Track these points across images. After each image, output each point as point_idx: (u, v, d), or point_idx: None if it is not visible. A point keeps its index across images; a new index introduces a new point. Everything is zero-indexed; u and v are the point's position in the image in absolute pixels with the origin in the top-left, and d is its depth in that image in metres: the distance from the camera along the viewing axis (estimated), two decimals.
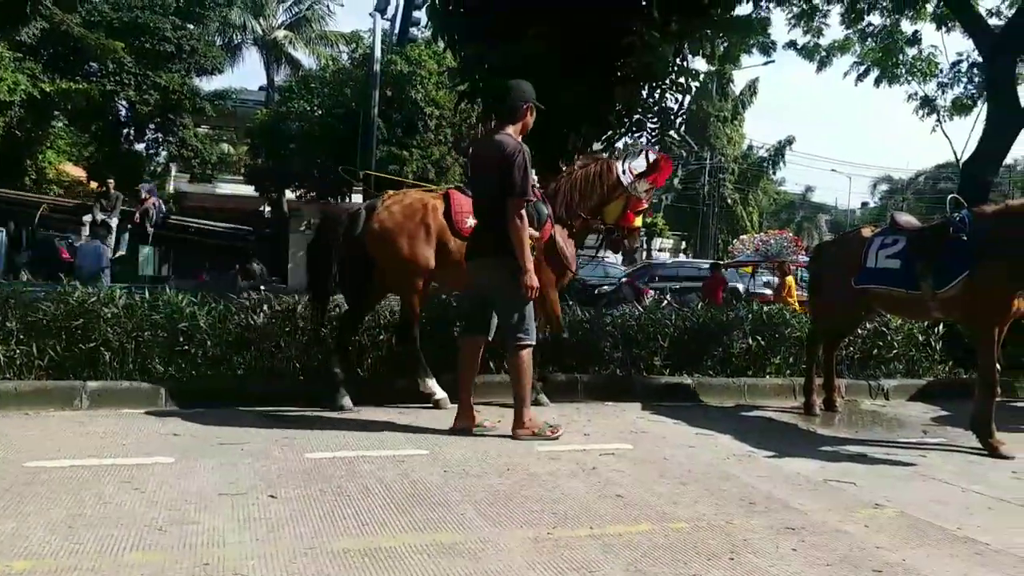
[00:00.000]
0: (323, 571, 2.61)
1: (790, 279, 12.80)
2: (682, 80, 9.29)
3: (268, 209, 29.97)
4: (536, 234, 5.03)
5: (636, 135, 9.22)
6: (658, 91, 9.06)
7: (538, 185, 5.83)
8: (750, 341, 6.92)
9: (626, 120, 9.10)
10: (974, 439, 5.02)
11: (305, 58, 30.86)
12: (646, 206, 5.99)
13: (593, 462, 4.19)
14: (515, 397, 4.68)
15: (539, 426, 4.67)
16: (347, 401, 5.25)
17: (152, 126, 21.56)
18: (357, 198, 22.43)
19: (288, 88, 25.82)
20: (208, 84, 24.24)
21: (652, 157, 6.13)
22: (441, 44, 9.41)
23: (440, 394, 5.41)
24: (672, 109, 9.19)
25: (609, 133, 9.14)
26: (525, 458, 4.20)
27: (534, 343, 4.71)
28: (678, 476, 4.02)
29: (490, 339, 4.89)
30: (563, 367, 6.26)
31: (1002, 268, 4.83)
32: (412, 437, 4.57)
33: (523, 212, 4.49)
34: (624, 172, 5.78)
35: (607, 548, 2.94)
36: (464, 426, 4.71)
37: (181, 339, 5.55)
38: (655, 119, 9.14)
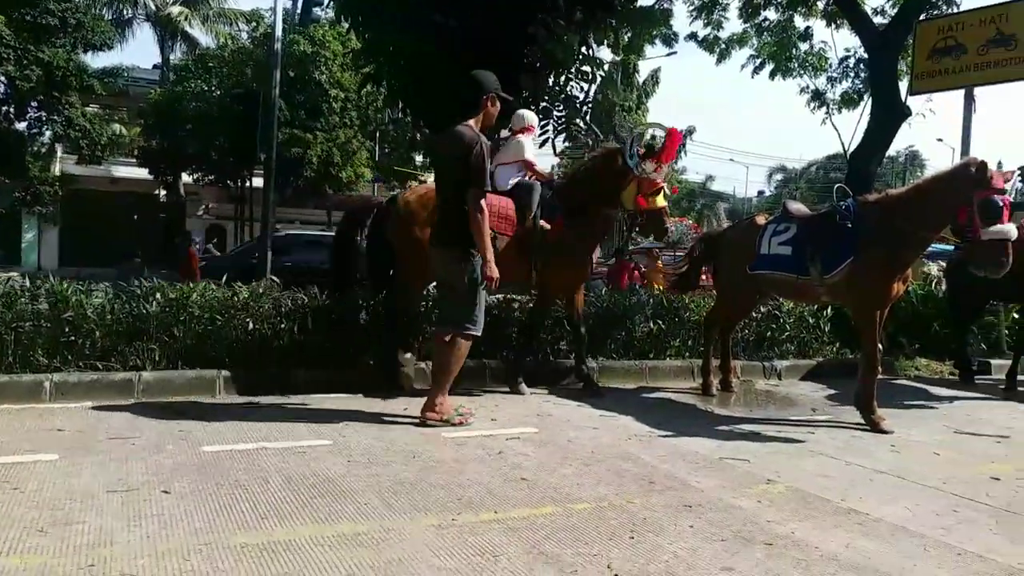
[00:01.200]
0: (218, 567, 2.52)
1: (660, 263, 13.60)
2: (587, 69, 9.42)
3: (163, 193, 28.70)
4: (547, 226, 5.58)
5: (543, 123, 9.26)
6: (564, 79, 9.14)
7: (556, 178, 6.14)
8: (652, 325, 7.10)
9: (533, 108, 9.14)
10: (858, 416, 5.32)
11: (202, 36, 29.63)
12: (661, 185, 5.61)
13: (499, 447, 4.22)
14: (435, 380, 4.71)
15: (448, 412, 4.66)
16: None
17: (35, 104, 20.18)
18: (258, 182, 21.77)
19: (184, 67, 24.72)
20: (97, 61, 23.00)
21: (659, 134, 5.91)
22: (346, 25, 9.18)
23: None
24: (578, 98, 9.31)
25: None
26: (431, 445, 4.19)
27: (479, 334, 4.76)
28: (582, 458, 4.09)
29: (478, 334, 4.82)
30: (471, 353, 6.24)
31: (883, 254, 5.13)
32: (316, 427, 4.48)
33: (482, 203, 4.51)
34: (630, 156, 5.54)
35: (511, 531, 2.97)
36: (445, 420, 4.64)
37: (67, 330, 5.24)
38: (562, 107, 9.22)
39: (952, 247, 7.26)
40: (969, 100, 9.30)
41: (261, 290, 6.06)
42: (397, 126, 23.80)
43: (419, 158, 25.41)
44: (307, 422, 4.60)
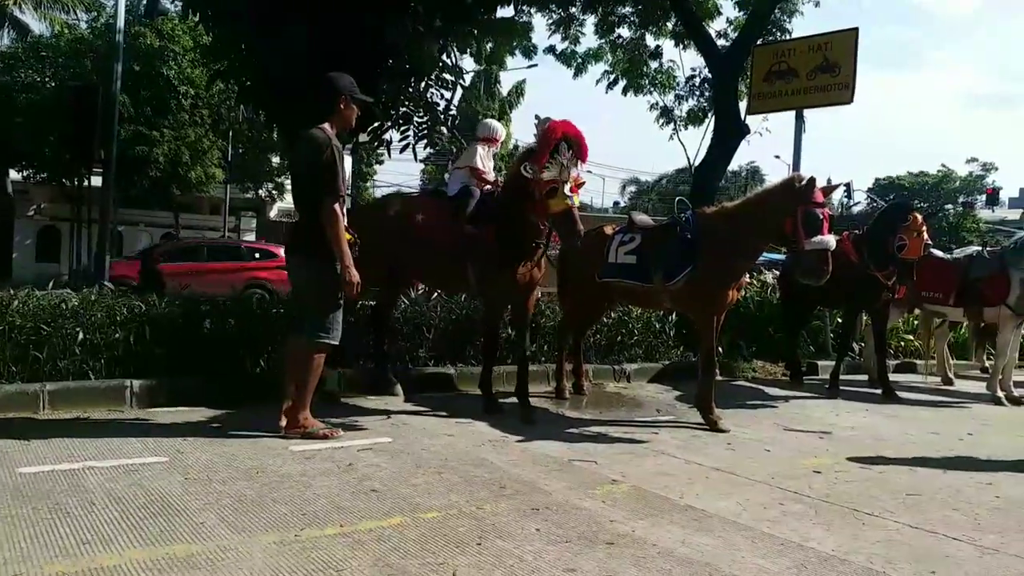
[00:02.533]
0: None
1: None
2: (449, 77, 9.45)
3: None
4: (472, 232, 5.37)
5: (403, 128, 9.19)
6: (424, 86, 9.12)
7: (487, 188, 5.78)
8: (509, 331, 7.19)
9: (393, 113, 9.06)
10: (698, 415, 5.62)
11: (35, 23, 27.24)
12: (554, 184, 4.95)
13: (350, 458, 4.13)
14: (296, 395, 4.52)
15: (312, 425, 4.54)
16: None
17: None
18: (96, 181, 20.32)
19: (13, 55, 22.66)
20: None
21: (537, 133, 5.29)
22: (195, 19, 8.75)
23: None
24: (439, 105, 9.30)
25: (376, 125, 9.04)
26: (277, 459, 4.04)
27: (335, 343, 4.59)
28: (435, 466, 4.08)
29: (334, 342, 4.63)
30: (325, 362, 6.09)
31: (719, 263, 5.45)
32: (151, 443, 4.21)
33: (335, 208, 4.36)
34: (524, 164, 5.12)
35: (356, 545, 2.91)
36: (302, 432, 4.49)
37: None
38: (423, 113, 9.19)
39: (783, 256, 7.84)
40: (800, 121, 10.05)
41: (93, 297, 5.66)
42: (251, 126, 22.90)
43: (275, 159, 24.57)
44: (142, 437, 4.33)
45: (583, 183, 5.19)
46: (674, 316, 8.14)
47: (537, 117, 5.33)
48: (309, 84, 6.94)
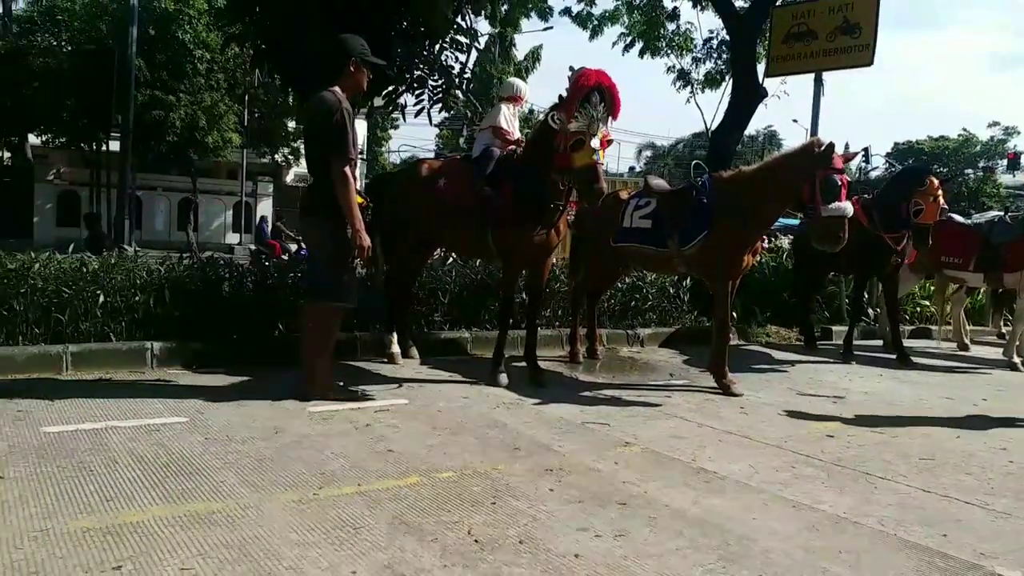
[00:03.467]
0: (54, 553, 2.39)
1: None
2: (463, 39, 9.35)
3: (8, 155, 26.40)
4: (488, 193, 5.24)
5: (418, 92, 9.13)
6: (439, 49, 9.04)
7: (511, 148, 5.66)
8: (524, 296, 7.21)
9: (407, 76, 9.00)
10: (712, 379, 5.64)
11: None
12: (580, 137, 4.76)
13: (367, 420, 4.20)
14: (309, 357, 4.58)
15: (334, 387, 4.62)
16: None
17: None
18: (115, 145, 20.41)
19: (29, 19, 22.62)
20: None
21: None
22: None
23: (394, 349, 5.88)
24: (453, 68, 9.22)
25: (390, 89, 8.99)
26: (295, 420, 4.10)
27: (352, 306, 4.66)
28: (450, 428, 4.14)
29: (350, 305, 4.70)
30: (343, 326, 6.14)
31: (734, 228, 5.42)
32: (172, 404, 4.29)
33: (346, 170, 4.37)
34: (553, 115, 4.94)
35: (373, 503, 2.97)
36: (320, 395, 4.54)
37: None
38: (437, 77, 9.11)
39: (798, 221, 7.77)
40: (818, 84, 9.88)
41: (113, 260, 5.72)
42: (267, 90, 22.81)
43: (291, 124, 24.48)
44: (162, 398, 4.41)
45: (612, 140, 5.01)
46: (689, 281, 8.13)
47: (571, 69, 5.11)
48: (322, 47, 6.91)
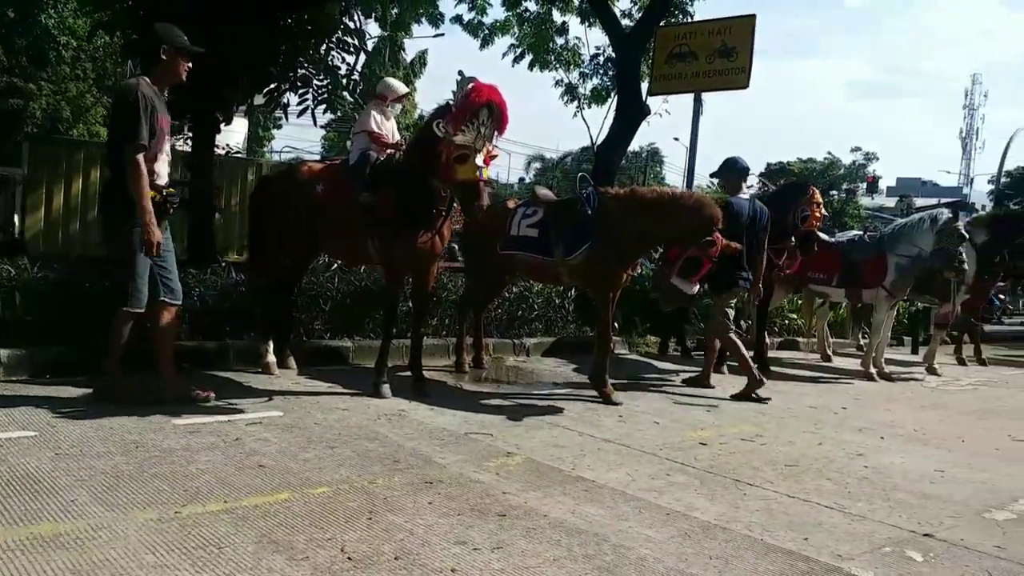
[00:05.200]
0: None
1: None
2: (351, 40, 9.18)
3: None
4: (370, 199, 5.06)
5: (302, 91, 8.88)
6: (325, 49, 8.83)
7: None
8: (411, 304, 7.10)
9: (291, 75, 8.73)
10: (593, 388, 5.72)
11: None
12: (464, 151, 4.61)
13: (237, 433, 3.99)
14: (110, 356, 4.35)
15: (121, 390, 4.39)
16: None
17: None
18: None
19: None
20: None
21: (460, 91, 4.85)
22: None
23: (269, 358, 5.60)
24: (339, 68, 9.03)
25: (272, 87, 8.70)
26: (158, 433, 3.85)
27: (140, 310, 4.35)
28: (327, 440, 3.99)
29: (174, 301, 4.48)
30: (213, 335, 5.86)
31: (616, 243, 5.53)
32: (19, 416, 3.94)
33: (138, 160, 4.10)
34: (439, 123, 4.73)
35: (241, 521, 2.81)
36: (177, 395, 4.44)
37: None
38: (323, 76, 8.89)
39: None
40: (698, 103, 10.33)
41: None
42: None
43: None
44: (8, 409, 4.04)
45: (496, 156, 4.97)
46: (574, 291, 8.25)
47: (461, 74, 5.02)
48: (201, 39, 6.57)
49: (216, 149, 9.94)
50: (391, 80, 6.20)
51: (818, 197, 7.46)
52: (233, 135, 19.77)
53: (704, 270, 5.47)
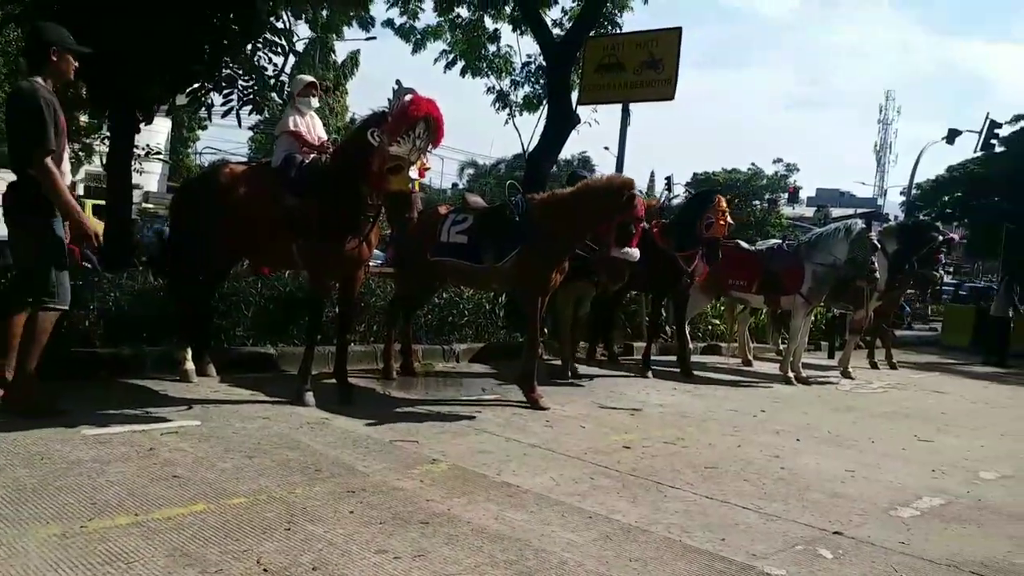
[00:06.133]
0: None
1: None
2: (279, 41, 8.99)
3: None
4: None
5: (227, 92, 8.66)
6: (252, 49, 8.63)
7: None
8: (337, 309, 7.00)
9: (216, 74, 8.51)
10: (521, 394, 5.75)
11: None
12: (397, 162, 4.56)
13: (152, 443, 3.86)
14: (21, 362, 4.12)
15: (35, 397, 4.17)
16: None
17: None
18: None
19: None
20: None
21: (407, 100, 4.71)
22: None
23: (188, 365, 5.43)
24: (266, 69, 8.84)
25: (196, 86, 8.45)
26: (65, 445, 3.69)
27: (64, 307, 4.24)
28: (246, 450, 3.89)
29: (62, 307, 4.25)
30: (129, 341, 5.65)
31: (544, 247, 5.59)
32: None
33: (48, 162, 4.04)
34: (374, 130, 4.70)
35: (151, 534, 2.72)
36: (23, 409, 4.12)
37: None
38: (248, 77, 8.69)
39: None
40: (625, 114, 10.45)
41: None
42: None
43: (83, 117, 22.38)
44: None
45: (429, 168, 4.97)
46: (504, 297, 8.28)
47: (398, 83, 4.89)
48: (120, 36, 6.37)
49: (136, 149, 9.62)
50: (298, 76, 6.10)
51: (723, 205, 7.63)
52: (155, 135, 19.15)
53: (638, 233, 5.64)
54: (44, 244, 4.13)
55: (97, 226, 4.22)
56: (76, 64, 4.34)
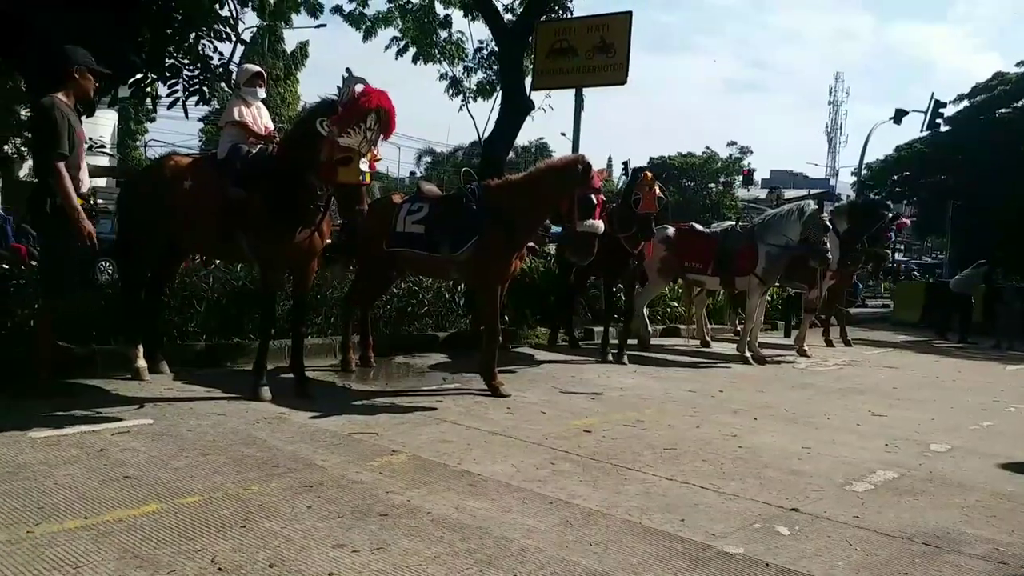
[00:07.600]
0: None
1: None
2: (225, 29, 8.78)
3: None
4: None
5: (171, 82, 8.43)
6: (195, 37, 8.41)
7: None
8: (291, 302, 6.89)
9: (159, 65, 8.27)
10: (483, 382, 5.73)
11: None
12: (347, 154, 4.48)
13: (102, 443, 3.76)
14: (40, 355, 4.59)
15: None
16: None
17: None
18: None
19: None
20: None
21: (358, 89, 4.63)
22: None
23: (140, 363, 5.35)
24: (212, 58, 8.63)
25: (138, 78, 8.21)
26: (12, 448, 3.58)
27: (60, 300, 4.65)
28: (200, 448, 3.82)
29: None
30: (78, 339, 5.48)
31: (502, 234, 5.57)
32: None
33: (59, 165, 4.38)
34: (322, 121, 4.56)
35: (102, 537, 2.65)
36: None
37: None
38: (193, 67, 8.47)
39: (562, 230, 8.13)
40: (579, 99, 10.44)
41: None
42: None
43: (24, 112, 21.65)
44: None
45: (380, 159, 4.94)
46: (464, 286, 8.24)
47: (348, 71, 4.77)
48: (62, 30, 6.15)
49: None
50: (244, 65, 5.98)
51: (650, 180, 7.44)
52: (100, 127, 18.58)
53: (600, 204, 5.65)
54: (63, 241, 4.51)
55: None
56: (97, 83, 4.77)
